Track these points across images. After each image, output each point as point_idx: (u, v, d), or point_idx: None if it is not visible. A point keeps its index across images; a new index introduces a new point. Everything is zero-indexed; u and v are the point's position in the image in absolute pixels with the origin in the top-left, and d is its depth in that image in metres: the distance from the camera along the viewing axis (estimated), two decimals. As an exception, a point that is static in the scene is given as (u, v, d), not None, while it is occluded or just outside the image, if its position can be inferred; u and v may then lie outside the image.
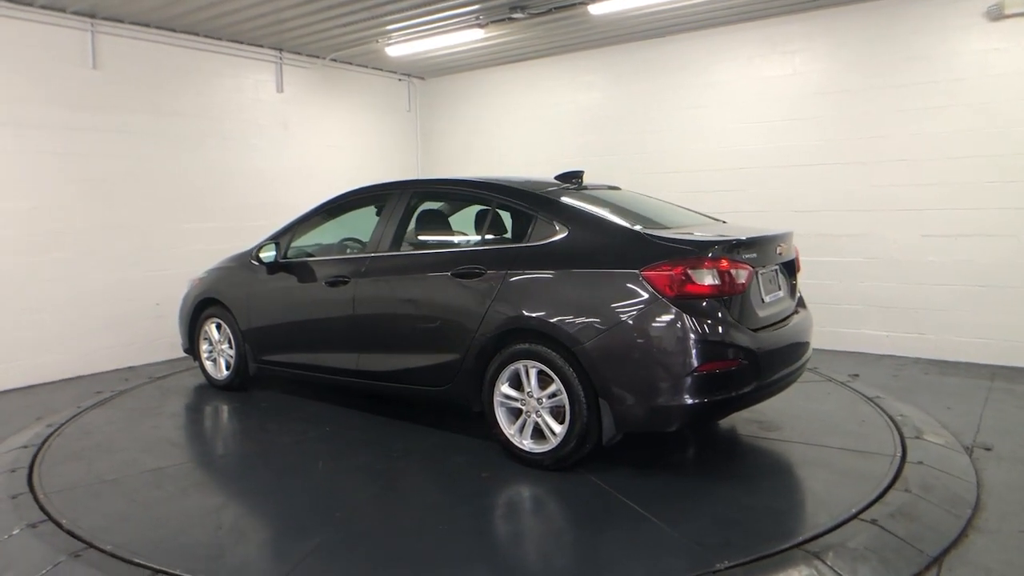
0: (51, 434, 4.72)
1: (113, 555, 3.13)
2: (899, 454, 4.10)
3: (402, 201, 4.82)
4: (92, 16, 6.46)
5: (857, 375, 6.05)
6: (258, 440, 4.83)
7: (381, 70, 9.22)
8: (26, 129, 6.16)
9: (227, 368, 5.74)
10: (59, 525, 3.41)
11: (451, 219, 5.08)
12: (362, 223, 5.14)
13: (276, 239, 5.38)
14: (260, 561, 3.05)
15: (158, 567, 3.01)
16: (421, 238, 4.87)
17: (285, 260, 5.30)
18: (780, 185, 7.23)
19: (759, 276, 4.01)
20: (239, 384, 5.71)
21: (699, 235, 3.95)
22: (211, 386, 5.90)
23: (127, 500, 3.71)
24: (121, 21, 6.65)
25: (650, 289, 3.64)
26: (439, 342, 4.36)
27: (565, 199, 4.28)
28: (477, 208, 4.72)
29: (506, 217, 4.49)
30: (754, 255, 3.92)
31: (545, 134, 8.82)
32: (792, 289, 4.46)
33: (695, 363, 3.56)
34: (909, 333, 6.70)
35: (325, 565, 3.02)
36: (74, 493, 3.80)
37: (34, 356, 6.27)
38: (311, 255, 5.33)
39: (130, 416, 5.18)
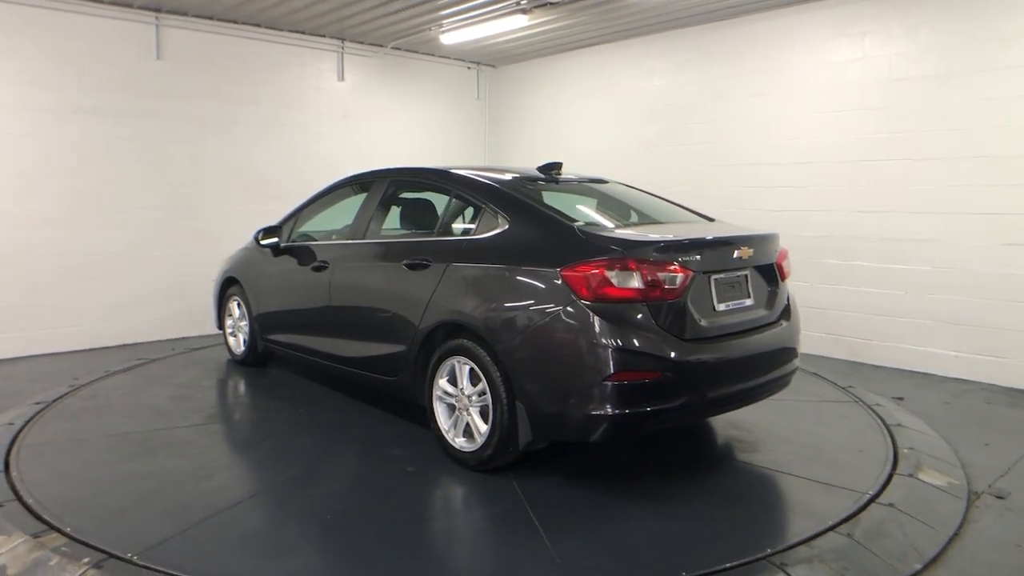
0: (64, 394, 5.15)
1: (30, 510, 3.35)
2: (872, 492, 3.59)
3: (379, 189, 4.82)
4: (157, 10, 6.94)
5: (902, 398, 5.37)
6: (232, 414, 5.04)
7: (448, 58, 9.24)
8: (96, 115, 6.73)
9: (243, 344, 6.02)
10: (8, 476, 3.72)
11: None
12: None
13: (282, 223, 5.56)
14: (142, 529, 3.14)
15: (55, 524, 3.19)
16: (389, 227, 4.84)
17: (288, 244, 5.45)
18: (845, 182, 6.53)
19: (712, 281, 3.64)
20: (253, 360, 5.97)
21: (636, 234, 3.63)
22: (233, 360, 6.21)
23: (79, 460, 3.97)
24: (185, 14, 7.10)
25: (566, 290, 3.40)
26: (391, 332, 4.33)
27: (515, 191, 4.07)
28: (441, 198, 4.62)
29: (466, 208, 4.36)
30: (698, 258, 3.56)
31: (609, 122, 8.49)
32: (771, 297, 4.00)
33: (607, 372, 3.29)
34: (983, 355, 5.84)
35: (198, 541, 3.06)
36: (42, 449, 4.12)
37: (95, 323, 6.87)
38: (314, 239, 5.45)
39: (142, 383, 5.54)
